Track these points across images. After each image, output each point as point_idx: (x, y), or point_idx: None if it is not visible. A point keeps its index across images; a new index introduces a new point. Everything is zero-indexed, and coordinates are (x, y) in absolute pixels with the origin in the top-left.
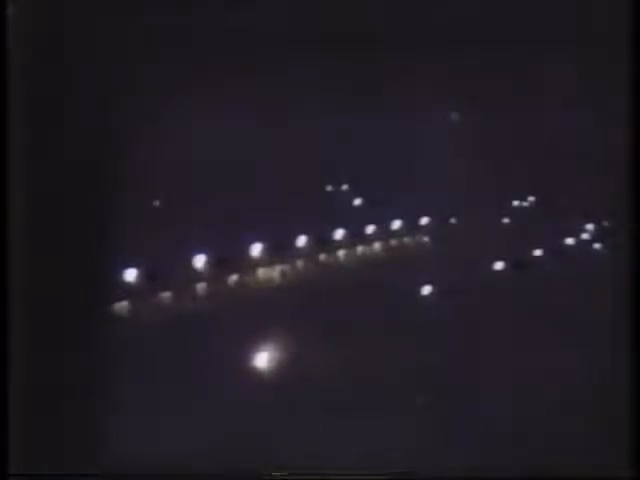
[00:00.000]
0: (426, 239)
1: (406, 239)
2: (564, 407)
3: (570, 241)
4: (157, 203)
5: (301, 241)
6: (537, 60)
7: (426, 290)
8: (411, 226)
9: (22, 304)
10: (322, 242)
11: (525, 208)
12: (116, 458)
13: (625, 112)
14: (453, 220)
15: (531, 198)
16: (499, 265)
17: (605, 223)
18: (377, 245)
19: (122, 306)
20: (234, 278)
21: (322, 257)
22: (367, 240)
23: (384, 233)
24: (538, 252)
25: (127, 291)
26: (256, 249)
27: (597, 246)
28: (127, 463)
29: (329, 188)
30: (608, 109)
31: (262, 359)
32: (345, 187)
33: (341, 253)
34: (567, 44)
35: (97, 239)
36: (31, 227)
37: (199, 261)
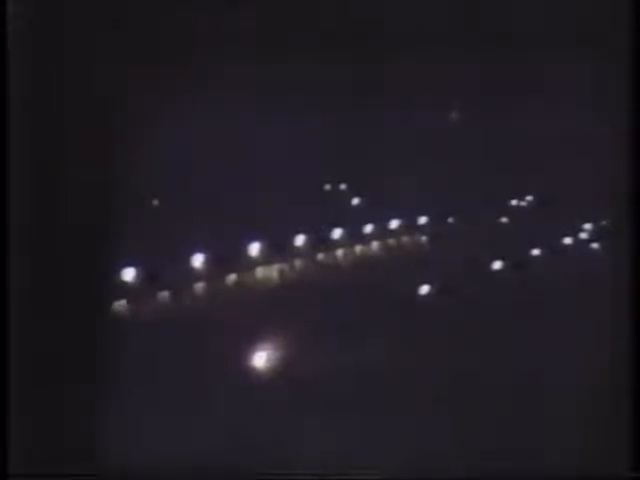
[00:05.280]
0: (424, 238)
1: (404, 238)
2: (564, 407)
3: (568, 240)
4: (156, 202)
5: (299, 240)
6: (537, 60)
7: (424, 290)
8: (409, 225)
9: (22, 304)
10: (320, 241)
11: (523, 207)
12: (116, 458)
13: (625, 112)
14: (451, 219)
15: (529, 197)
16: (497, 264)
17: (603, 223)
18: (375, 244)
19: (121, 305)
20: (232, 277)
21: (320, 256)
22: (365, 239)
23: (382, 232)
24: (536, 251)
25: (126, 290)
26: (254, 248)
27: (595, 245)
28: (127, 463)
29: (327, 187)
30: (608, 108)
31: (261, 358)
32: (343, 186)
33: (339, 252)
34: (567, 44)
35: (96, 239)
36: (31, 227)
37: (197, 260)
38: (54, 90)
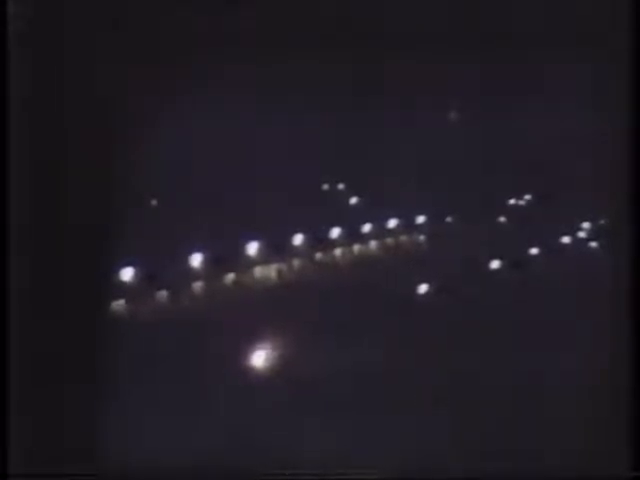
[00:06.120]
0: (422, 238)
1: (402, 238)
2: (563, 407)
3: (567, 240)
4: (155, 202)
5: (298, 240)
6: (536, 60)
7: (422, 289)
8: (407, 225)
9: (22, 304)
10: (319, 241)
11: (522, 206)
12: (116, 458)
13: (625, 112)
14: (449, 219)
15: (528, 197)
16: (496, 264)
17: (602, 222)
18: (373, 244)
19: (119, 305)
20: (231, 277)
21: (319, 256)
22: (363, 239)
23: (380, 232)
24: (535, 251)
25: (124, 290)
26: (253, 248)
27: (594, 244)
28: (127, 463)
29: (325, 187)
30: (608, 108)
31: (259, 358)
32: (341, 186)
33: (338, 252)
34: (567, 44)
35: (95, 239)
36: (30, 227)
37: (196, 260)
38: (54, 90)
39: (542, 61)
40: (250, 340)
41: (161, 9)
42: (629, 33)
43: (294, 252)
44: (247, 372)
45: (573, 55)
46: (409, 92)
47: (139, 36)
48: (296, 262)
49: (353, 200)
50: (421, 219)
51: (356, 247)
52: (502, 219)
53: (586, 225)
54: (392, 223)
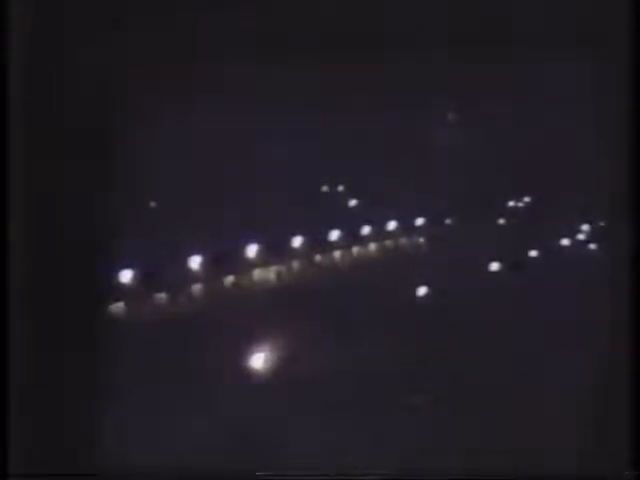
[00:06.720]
0: (422, 240)
1: (402, 240)
2: (563, 407)
3: (566, 242)
4: (154, 203)
5: (297, 242)
6: (535, 60)
7: (422, 291)
8: (407, 227)
9: (22, 304)
10: (318, 243)
11: (520, 208)
12: (115, 458)
13: (625, 112)
14: (448, 221)
15: (527, 199)
16: (495, 266)
17: (600, 223)
18: (373, 246)
19: (118, 307)
20: (230, 279)
21: (318, 258)
22: (363, 241)
23: (380, 234)
24: (534, 253)
25: (123, 292)
26: (252, 250)
27: (592, 246)
28: (127, 463)
29: (325, 189)
30: (607, 109)
31: (259, 360)
32: (341, 188)
33: (337, 254)
34: (567, 44)
35: (93, 239)
36: (29, 227)
37: (195, 262)
38: (54, 89)
39: (542, 61)
40: (249, 341)
41: (161, 9)
42: (629, 33)
43: (293, 254)
44: (246, 373)
45: (573, 55)
46: (409, 92)
47: (139, 36)
48: (295, 264)
49: (352, 202)
50: (420, 221)
51: (355, 249)
52: (501, 221)
53: (585, 227)
54: (391, 225)
